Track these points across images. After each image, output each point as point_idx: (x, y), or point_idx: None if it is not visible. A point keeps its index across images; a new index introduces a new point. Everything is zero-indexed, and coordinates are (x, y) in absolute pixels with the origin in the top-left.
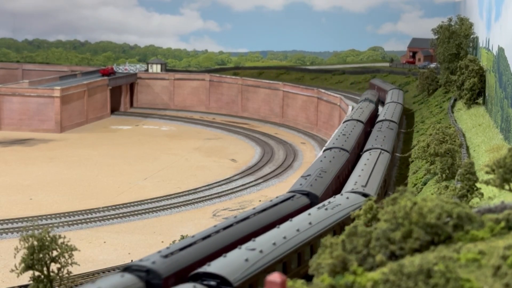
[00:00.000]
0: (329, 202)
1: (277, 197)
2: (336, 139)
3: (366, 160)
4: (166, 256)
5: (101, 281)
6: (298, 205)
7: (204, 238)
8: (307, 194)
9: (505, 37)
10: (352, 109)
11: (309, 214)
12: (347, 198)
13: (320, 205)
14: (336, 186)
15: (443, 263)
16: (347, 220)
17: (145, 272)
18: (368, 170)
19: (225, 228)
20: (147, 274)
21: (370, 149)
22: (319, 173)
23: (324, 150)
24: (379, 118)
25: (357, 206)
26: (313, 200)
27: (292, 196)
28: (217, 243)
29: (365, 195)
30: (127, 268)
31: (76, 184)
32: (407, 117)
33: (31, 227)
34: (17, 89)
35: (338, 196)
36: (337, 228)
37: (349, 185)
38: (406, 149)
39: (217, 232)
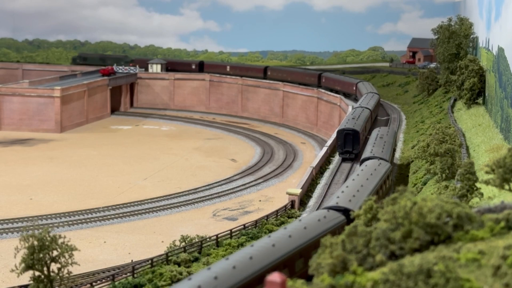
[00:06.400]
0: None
1: None
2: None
3: None
4: None
5: None
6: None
7: None
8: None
9: (505, 37)
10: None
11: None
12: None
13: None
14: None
15: (443, 263)
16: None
17: None
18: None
19: None
20: None
21: None
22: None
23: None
24: None
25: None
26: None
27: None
28: None
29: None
30: None
31: (76, 184)
32: None
33: (31, 227)
34: (17, 89)
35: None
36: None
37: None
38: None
39: None
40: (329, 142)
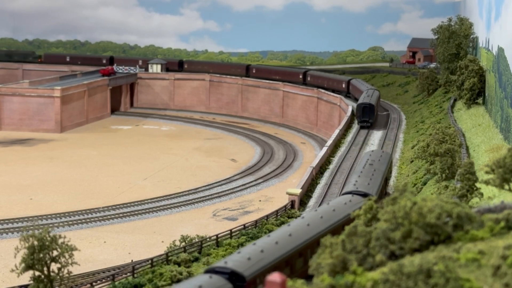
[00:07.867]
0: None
1: None
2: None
3: None
4: None
5: None
6: None
7: None
8: None
9: (505, 37)
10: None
11: None
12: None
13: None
14: None
15: (443, 263)
16: None
17: None
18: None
19: None
20: None
21: None
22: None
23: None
24: None
25: None
26: None
27: None
28: None
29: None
30: None
31: (76, 184)
32: None
33: (31, 227)
34: (17, 89)
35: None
36: None
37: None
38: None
39: None
40: (329, 142)
